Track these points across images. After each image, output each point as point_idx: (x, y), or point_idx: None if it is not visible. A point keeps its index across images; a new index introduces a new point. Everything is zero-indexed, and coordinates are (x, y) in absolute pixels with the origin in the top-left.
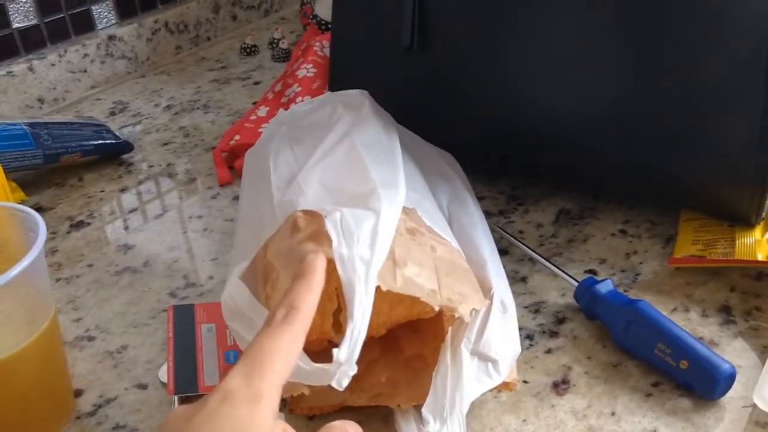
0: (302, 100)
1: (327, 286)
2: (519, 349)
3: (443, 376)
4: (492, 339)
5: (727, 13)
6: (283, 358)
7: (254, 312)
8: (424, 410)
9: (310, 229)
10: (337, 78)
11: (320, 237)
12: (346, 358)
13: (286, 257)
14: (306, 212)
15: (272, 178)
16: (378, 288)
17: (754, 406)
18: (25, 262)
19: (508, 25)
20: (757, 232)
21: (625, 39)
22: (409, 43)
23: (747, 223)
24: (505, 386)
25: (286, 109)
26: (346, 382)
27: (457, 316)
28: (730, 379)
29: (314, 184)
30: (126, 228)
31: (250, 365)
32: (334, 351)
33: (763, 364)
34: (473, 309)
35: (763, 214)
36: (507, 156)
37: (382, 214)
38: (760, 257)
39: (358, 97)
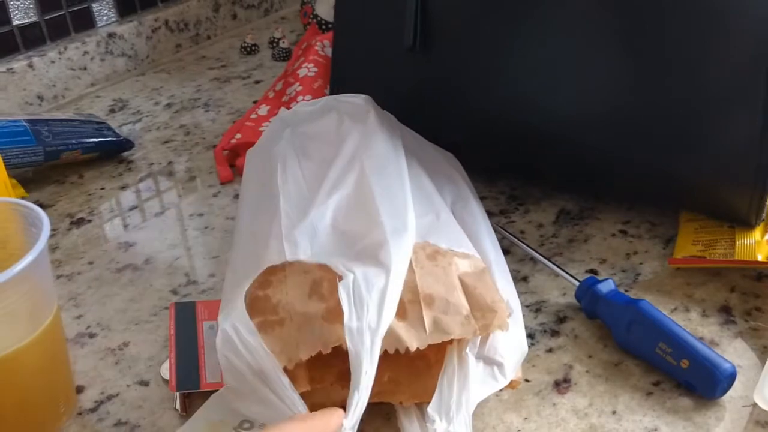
0: (303, 99)
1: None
2: (525, 350)
3: (450, 378)
4: (497, 342)
5: (728, 14)
6: None
7: (257, 350)
8: (429, 409)
9: (333, 300)
10: (339, 77)
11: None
12: (350, 426)
13: (302, 322)
14: (327, 271)
15: (280, 199)
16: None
17: (755, 405)
18: (29, 258)
19: (510, 25)
20: (757, 233)
21: (625, 39)
22: (412, 42)
23: (747, 224)
24: (508, 384)
25: (287, 108)
26: None
27: (495, 330)
28: (731, 378)
29: (327, 226)
30: (126, 225)
31: None
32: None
33: (763, 364)
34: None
35: (763, 215)
36: (508, 156)
37: (391, 272)
38: (760, 258)
39: (362, 105)
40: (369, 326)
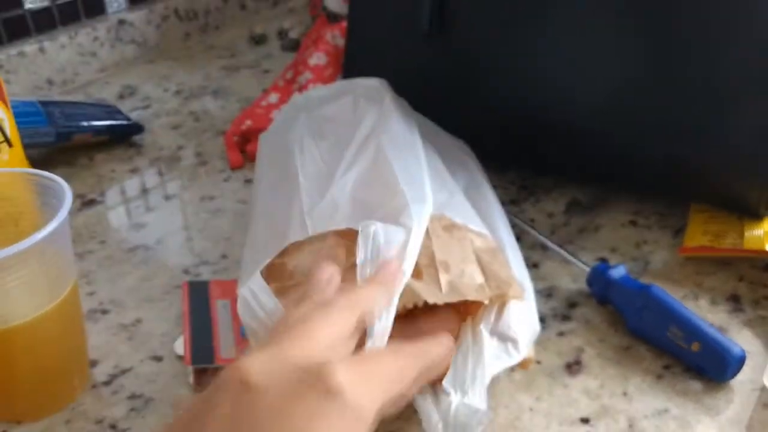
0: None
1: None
2: (538, 328)
3: (464, 353)
4: (511, 319)
5: (743, 3)
6: (394, 379)
7: (275, 312)
8: (445, 383)
9: (349, 263)
10: (352, 63)
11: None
12: None
13: None
14: (343, 235)
15: (300, 178)
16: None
17: (763, 388)
18: (52, 226)
19: (527, 10)
20: (766, 224)
21: (642, 28)
22: (428, 27)
23: (756, 215)
24: (521, 364)
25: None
26: None
27: (509, 300)
28: (741, 361)
29: (347, 200)
30: (138, 207)
31: (366, 372)
32: None
33: None
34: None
35: None
36: (521, 144)
37: (413, 231)
38: None
39: (378, 88)
40: None
